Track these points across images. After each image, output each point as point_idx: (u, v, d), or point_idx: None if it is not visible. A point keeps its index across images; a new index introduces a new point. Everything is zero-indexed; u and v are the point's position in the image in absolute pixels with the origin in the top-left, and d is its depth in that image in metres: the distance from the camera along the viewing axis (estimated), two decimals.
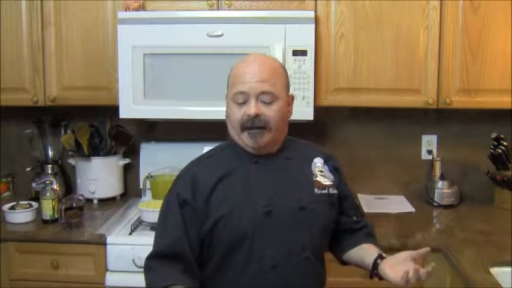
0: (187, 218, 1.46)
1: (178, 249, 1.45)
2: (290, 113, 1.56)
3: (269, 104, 1.45)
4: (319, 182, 1.54)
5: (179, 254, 1.44)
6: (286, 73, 1.54)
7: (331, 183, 1.56)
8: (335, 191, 1.57)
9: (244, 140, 1.48)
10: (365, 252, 1.56)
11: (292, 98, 1.56)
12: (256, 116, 1.43)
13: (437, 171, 2.59)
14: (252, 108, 1.43)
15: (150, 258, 1.48)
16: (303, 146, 1.64)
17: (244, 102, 1.45)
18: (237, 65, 1.51)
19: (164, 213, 1.52)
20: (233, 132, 1.52)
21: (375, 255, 1.50)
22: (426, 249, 1.45)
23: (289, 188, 1.50)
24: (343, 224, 1.63)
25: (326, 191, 1.54)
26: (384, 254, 1.50)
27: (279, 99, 1.47)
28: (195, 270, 1.46)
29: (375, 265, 1.48)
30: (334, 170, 1.60)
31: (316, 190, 1.53)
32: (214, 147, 1.63)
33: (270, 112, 1.45)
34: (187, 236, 1.45)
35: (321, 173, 1.56)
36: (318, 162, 1.58)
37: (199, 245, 1.47)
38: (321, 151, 1.64)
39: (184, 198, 1.47)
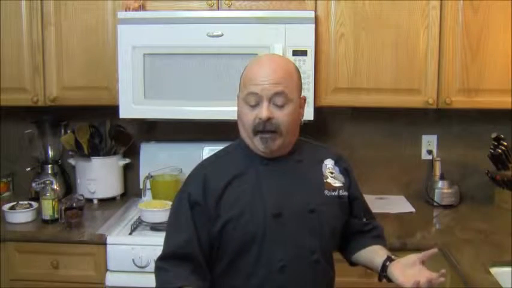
0: (197, 219, 1.45)
1: (189, 250, 1.44)
2: (302, 115, 1.54)
3: (281, 107, 1.43)
4: (329, 183, 1.53)
5: (189, 255, 1.44)
6: (299, 74, 1.52)
7: (341, 184, 1.55)
8: (345, 193, 1.56)
9: (256, 144, 1.46)
10: (374, 254, 1.56)
11: (304, 99, 1.54)
12: (268, 119, 1.42)
13: (437, 171, 2.59)
14: (264, 112, 1.41)
15: (161, 259, 1.48)
16: (315, 147, 1.63)
17: (257, 105, 1.43)
18: (250, 66, 1.49)
19: (175, 214, 1.52)
20: (245, 134, 1.50)
21: (384, 257, 1.50)
22: (434, 250, 1.45)
23: (300, 190, 1.49)
24: (352, 226, 1.63)
25: (336, 193, 1.53)
26: (393, 256, 1.49)
27: (291, 102, 1.45)
28: (205, 271, 1.46)
29: (384, 267, 1.47)
30: (345, 171, 1.60)
31: (326, 192, 1.52)
32: (225, 147, 1.62)
33: (282, 116, 1.43)
34: (198, 237, 1.45)
35: (331, 174, 1.56)
36: (329, 164, 1.57)
37: (209, 246, 1.47)
38: (332, 152, 1.63)
39: (195, 200, 1.46)
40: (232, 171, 1.49)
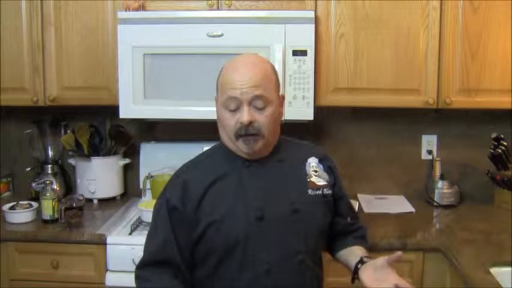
0: (176, 225, 1.45)
1: (167, 255, 1.44)
2: (282, 113, 1.54)
3: (262, 109, 1.43)
4: (313, 182, 1.53)
5: (168, 260, 1.44)
6: (276, 73, 1.52)
7: (325, 183, 1.55)
8: (329, 191, 1.56)
9: (240, 146, 1.46)
10: (351, 255, 1.57)
11: (283, 97, 1.54)
12: (250, 123, 1.41)
13: (437, 171, 2.59)
14: (245, 116, 1.40)
15: (140, 267, 1.48)
16: (297, 146, 1.63)
17: (237, 109, 1.43)
18: (226, 70, 1.47)
19: (154, 220, 1.52)
20: (226, 137, 1.49)
21: (357, 259, 1.50)
22: (398, 253, 1.42)
23: (282, 191, 1.49)
24: (337, 226, 1.63)
25: (320, 192, 1.53)
26: (365, 258, 1.49)
27: (271, 104, 1.44)
28: (185, 276, 1.46)
29: (356, 269, 1.48)
30: (329, 169, 1.59)
31: (310, 191, 1.52)
32: (206, 150, 1.61)
33: (263, 118, 1.43)
34: (176, 242, 1.45)
35: (315, 173, 1.55)
36: (313, 162, 1.57)
37: (190, 250, 1.46)
38: (316, 151, 1.63)
39: (173, 205, 1.46)
40: (213, 174, 1.49)
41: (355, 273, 1.48)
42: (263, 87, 1.42)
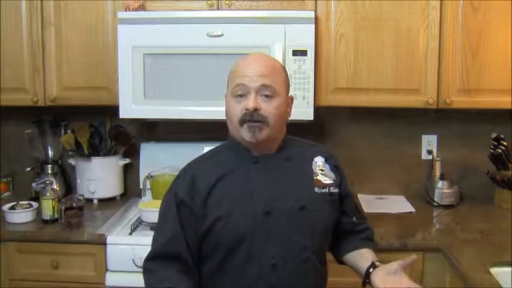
0: (184, 218, 1.46)
1: (175, 249, 1.45)
2: (289, 114, 1.55)
3: (269, 98, 1.45)
4: (319, 181, 1.54)
5: (176, 254, 1.45)
6: (287, 74, 1.54)
7: (332, 182, 1.56)
8: (336, 190, 1.56)
9: (243, 134, 1.46)
10: (360, 258, 1.56)
11: (291, 99, 1.56)
12: (255, 110, 1.43)
13: (437, 171, 2.59)
14: (251, 102, 1.43)
15: (148, 260, 1.49)
16: (304, 145, 1.64)
17: (244, 96, 1.45)
18: (238, 63, 1.51)
19: (162, 214, 1.53)
20: (232, 128, 1.51)
21: (369, 262, 1.50)
22: (413, 257, 1.44)
23: (289, 188, 1.50)
24: (343, 225, 1.63)
25: (327, 190, 1.54)
26: (377, 263, 1.49)
27: (278, 96, 1.46)
28: (192, 270, 1.47)
29: (367, 274, 1.48)
30: (335, 168, 1.60)
31: (316, 189, 1.52)
32: (215, 147, 1.63)
33: (269, 108, 1.45)
34: (184, 236, 1.46)
35: (321, 171, 1.56)
36: (319, 161, 1.58)
37: (197, 245, 1.47)
38: (322, 150, 1.63)
39: (182, 199, 1.47)
40: (220, 170, 1.50)
41: (366, 277, 1.48)
42: (271, 78, 1.45)
